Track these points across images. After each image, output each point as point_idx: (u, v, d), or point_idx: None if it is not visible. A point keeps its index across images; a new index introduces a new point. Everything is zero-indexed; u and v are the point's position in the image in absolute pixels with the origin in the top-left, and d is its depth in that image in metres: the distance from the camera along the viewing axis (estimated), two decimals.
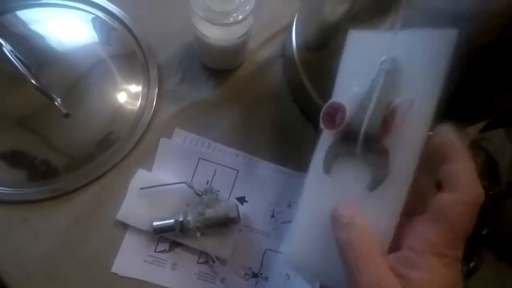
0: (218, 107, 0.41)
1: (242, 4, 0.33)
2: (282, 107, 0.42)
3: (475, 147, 0.45)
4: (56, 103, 0.36)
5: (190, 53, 0.43)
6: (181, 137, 0.39)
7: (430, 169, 0.20)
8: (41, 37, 0.41)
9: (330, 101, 0.22)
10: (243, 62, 0.43)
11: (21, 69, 0.35)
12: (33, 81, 0.35)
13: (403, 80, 0.20)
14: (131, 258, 0.35)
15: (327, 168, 0.23)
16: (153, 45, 0.42)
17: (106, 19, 0.43)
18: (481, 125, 0.43)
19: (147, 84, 0.41)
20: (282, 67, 0.44)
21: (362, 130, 0.20)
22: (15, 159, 0.37)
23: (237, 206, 0.35)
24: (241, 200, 0.38)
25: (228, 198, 0.38)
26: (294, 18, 0.41)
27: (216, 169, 0.39)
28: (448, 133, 0.20)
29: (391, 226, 0.19)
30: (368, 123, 0.20)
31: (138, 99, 0.40)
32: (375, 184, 0.20)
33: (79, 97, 0.39)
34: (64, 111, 0.36)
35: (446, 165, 0.19)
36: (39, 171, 0.37)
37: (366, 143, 0.20)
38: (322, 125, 0.22)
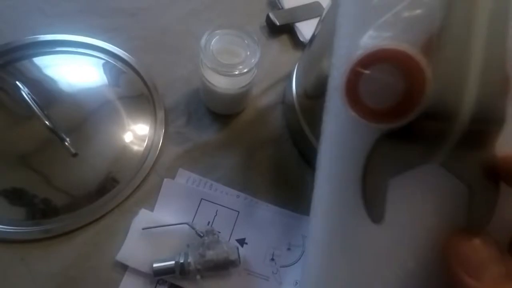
0: (221, 150, 0.43)
1: (248, 58, 0.36)
2: (282, 151, 0.44)
3: None
4: (66, 142, 0.38)
5: (195, 98, 0.45)
6: (184, 178, 0.40)
7: None
8: (53, 80, 0.43)
9: (362, 52, 0.11)
10: (246, 107, 0.46)
11: (36, 110, 0.37)
12: (46, 122, 0.37)
13: None
14: None
15: (377, 212, 0.12)
16: (160, 90, 0.44)
17: (116, 64, 0.46)
18: None
19: (153, 126, 0.43)
20: (282, 113, 0.47)
21: (463, 107, 0.10)
22: (15, 196, 0.38)
23: (237, 249, 0.35)
24: (241, 242, 0.39)
25: (229, 240, 0.38)
26: (294, 68, 0.45)
27: (217, 210, 0.39)
28: None
29: None
30: (476, 91, 0.10)
31: (144, 140, 0.42)
32: (482, 219, 0.11)
33: (87, 137, 0.40)
34: (73, 150, 0.38)
35: None
36: (38, 209, 0.37)
37: (468, 136, 0.10)
38: (354, 113, 0.12)
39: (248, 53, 0.37)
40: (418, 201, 0.11)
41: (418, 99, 0.09)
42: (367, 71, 0.10)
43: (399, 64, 0.10)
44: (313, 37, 0.40)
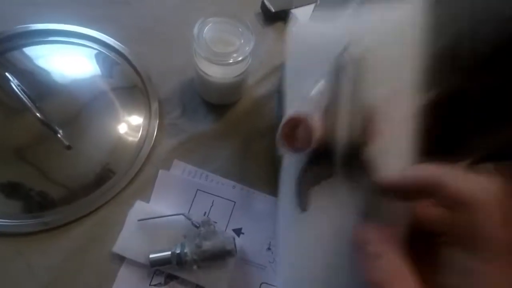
0: (216, 140, 0.42)
1: (242, 46, 0.36)
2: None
3: None
4: (58, 135, 0.37)
5: (190, 88, 0.45)
6: (179, 169, 0.40)
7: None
8: (45, 71, 0.43)
9: (287, 116, 0.17)
10: (241, 97, 0.45)
11: (27, 102, 0.36)
12: (38, 114, 0.36)
13: (373, 69, 0.16)
14: None
15: (304, 205, 0.17)
16: (154, 80, 0.44)
17: (109, 54, 0.45)
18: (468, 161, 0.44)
19: (148, 117, 0.42)
20: (277, 103, 0.46)
21: (340, 143, 0.16)
22: (11, 190, 0.37)
23: (234, 239, 0.35)
24: (238, 232, 0.39)
25: (225, 230, 0.39)
26: None
27: (213, 201, 0.39)
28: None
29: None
30: (346, 133, 0.15)
31: (139, 132, 0.41)
32: (369, 208, 0.16)
33: (81, 129, 0.40)
34: (66, 143, 0.37)
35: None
36: (35, 202, 0.37)
37: (347, 159, 0.16)
38: (284, 151, 0.18)
39: (242, 41, 0.36)
40: (329, 199, 0.18)
41: (312, 140, 0.17)
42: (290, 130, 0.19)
43: (301, 123, 0.18)
44: None
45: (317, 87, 0.17)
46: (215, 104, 0.44)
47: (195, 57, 0.37)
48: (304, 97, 0.17)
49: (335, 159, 0.17)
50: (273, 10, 0.49)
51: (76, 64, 0.45)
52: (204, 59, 0.36)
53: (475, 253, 0.15)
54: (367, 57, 0.16)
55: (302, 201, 0.18)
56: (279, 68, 0.48)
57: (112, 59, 0.45)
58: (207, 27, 0.35)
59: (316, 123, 0.16)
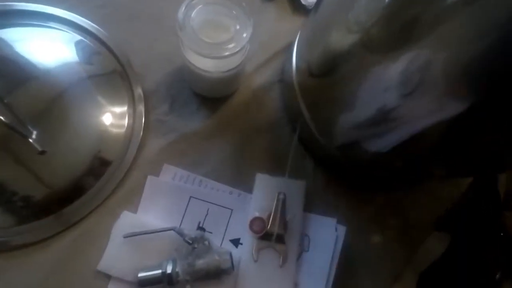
0: (209, 140, 0.38)
1: (238, 33, 0.30)
2: (279, 139, 0.39)
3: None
4: (30, 139, 0.33)
5: (178, 78, 0.39)
6: (170, 174, 0.36)
7: None
8: (18, 57, 0.37)
9: (254, 216, 0.34)
10: (238, 88, 0.39)
11: None
12: (2, 118, 0.31)
13: (288, 204, 0.35)
14: None
15: (256, 258, 0.33)
16: (137, 69, 0.38)
17: (86, 40, 0.39)
18: None
19: (132, 114, 0.37)
20: (280, 94, 0.41)
21: (275, 232, 0.33)
22: None
23: (230, 255, 0.32)
24: (236, 242, 0.35)
25: (222, 241, 0.35)
26: (295, 39, 0.38)
27: (208, 209, 0.36)
28: None
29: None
30: (278, 228, 0.34)
31: (122, 130, 0.37)
32: (283, 262, 0.33)
33: (57, 127, 0.35)
34: (39, 148, 0.33)
35: None
36: (16, 208, 0.33)
37: (276, 239, 0.33)
38: (251, 232, 0.34)
39: (238, 26, 0.30)
40: (266, 256, 0.34)
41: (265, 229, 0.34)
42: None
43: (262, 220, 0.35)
44: (320, 1, 0.33)
45: (267, 207, 0.35)
46: (208, 97, 0.39)
47: (182, 47, 0.32)
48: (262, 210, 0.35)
49: (272, 238, 0.34)
50: None
51: (51, 50, 0.39)
52: (190, 50, 0.30)
53: None
54: (286, 199, 0.36)
55: (256, 256, 0.33)
56: (283, 52, 0.42)
57: (89, 45, 0.39)
58: (195, 11, 0.29)
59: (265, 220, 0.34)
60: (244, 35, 0.30)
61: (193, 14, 0.29)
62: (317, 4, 0.34)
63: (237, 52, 0.30)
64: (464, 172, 0.37)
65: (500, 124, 0.23)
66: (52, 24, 0.39)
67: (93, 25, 0.39)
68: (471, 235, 0.43)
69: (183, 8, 0.29)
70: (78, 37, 0.39)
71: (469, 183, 0.42)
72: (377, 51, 0.26)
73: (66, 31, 0.39)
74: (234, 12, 0.30)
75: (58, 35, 0.39)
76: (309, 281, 0.34)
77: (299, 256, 0.35)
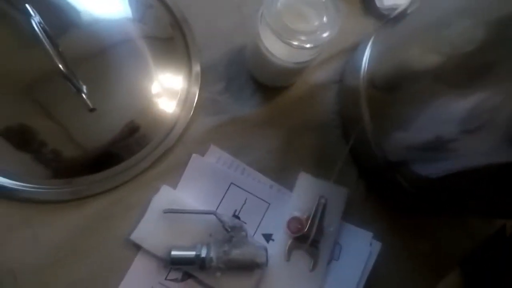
0: (259, 128, 0.36)
1: (323, 27, 0.28)
2: (328, 140, 0.38)
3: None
4: (83, 94, 0.31)
5: (238, 59, 0.37)
6: (214, 156, 0.35)
7: None
8: (70, 4, 0.35)
9: (293, 216, 0.33)
10: (296, 81, 0.38)
11: (50, 50, 0.30)
12: (61, 67, 0.30)
13: (328, 209, 0.34)
14: (138, 282, 0.31)
15: (288, 257, 0.33)
16: (198, 41, 0.36)
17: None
18: None
19: (185, 87, 0.36)
20: (336, 95, 0.39)
21: (312, 235, 0.32)
22: (22, 137, 0.32)
23: (266, 250, 0.31)
24: (268, 237, 0.34)
25: (254, 233, 0.34)
26: (367, 43, 0.36)
27: (246, 199, 0.35)
28: None
29: None
30: (314, 233, 0.32)
31: (174, 102, 0.35)
32: (314, 267, 0.33)
33: (107, 84, 0.34)
34: (90, 105, 0.31)
35: None
36: (46, 160, 0.32)
37: (311, 243, 0.33)
38: (288, 231, 0.33)
39: (325, 19, 0.28)
40: (298, 258, 0.34)
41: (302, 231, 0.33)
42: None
43: (301, 221, 0.34)
44: (405, 14, 0.31)
45: (307, 209, 0.34)
46: (265, 84, 0.37)
47: (259, 25, 0.30)
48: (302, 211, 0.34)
49: (308, 242, 0.33)
50: None
51: (108, 5, 0.37)
52: (270, 32, 0.28)
53: None
54: (327, 204, 0.35)
55: (288, 255, 0.33)
56: (347, 51, 0.40)
57: (147, 2, 0.37)
58: None
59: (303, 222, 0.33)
60: (328, 32, 0.28)
61: None
62: (399, 18, 0.33)
63: (314, 47, 0.28)
64: (500, 215, 0.36)
65: None
66: None
67: None
68: (490, 279, 0.43)
69: None
70: None
71: (497, 230, 0.41)
72: (450, 83, 0.25)
73: None
74: (324, 3, 0.28)
75: None
76: None
77: (328, 263, 0.34)
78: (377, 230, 0.36)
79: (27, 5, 0.31)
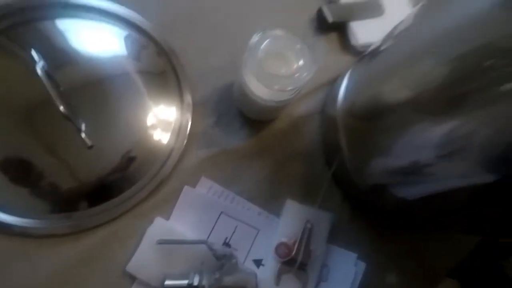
0: (247, 159, 0.39)
1: (300, 70, 0.31)
2: (313, 168, 0.40)
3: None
4: (82, 134, 0.34)
5: (227, 95, 0.40)
6: (205, 187, 0.37)
7: None
8: (71, 46, 0.38)
9: (280, 241, 0.35)
10: (280, 114, 0.41)
11: (51, 92, 0.32)
12: (61, 109, 0.32)
13: (314, 233, 0.36)
14: None
15: (277, 282, 0.35)
16: (191, 79, 0.39)
17: (140, 36, 0.40)
18: None
19: (178, 121, 0.38)
20: (319, 126, 0.42)
21: (299, 259, 0.34)
22: (18, 170, 0.34)
23: (255, 276, 0.33)
24: (258, 263, 0.36)
25: (245, 259, 0.36)
26: (343, 77, 0.40)
27: (236, 226, 0.37)
28: None
29: None
30: (302, 256, 0.35)
31: (167, 135, 0.38)
32: None
33: (100, 122, 0.36)
34: (89, 143, 0.34)
35: None
36: (43, 193, 0.34)
37: (299, 266, 0.35)
38: (277, 256, 0.35)
39: (301, 62, 0.32)
40: (287, 281, 0.35)
41: (290, 255, 0.35)
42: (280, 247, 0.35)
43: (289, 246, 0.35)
44: (378, 51, 0.34)
45: (294, 234, 0.36)
46: (252, 119, 0.40)
47: (243, 68, 0.33)
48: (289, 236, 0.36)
49: (295, 265, 0.35)
50: (330, 20, 0.44)
51: (105, 44, 0.40)
52: (253, 76, 0.31)
53: None
54: (313, 229, 0.37)
55: (277, 280, 0.35)
56: (327, 85, 0.43)
57: (142, 43, 0.40)
58: (265, 42, 0.31)
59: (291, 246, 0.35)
60: (305, 74, 0.31)
61: (263, 46, 0.31)
62: (374, 54, 0.36)
63: (294, 89, 0.32)
64: (478, 233, 0.39)
65: None
66: (107, 19, 0.40)
67: (148, 23, 0.40)
68: (479, 285, 0.45)
69: (255, 37, 0.30)
70: (132, 33, 0.40)
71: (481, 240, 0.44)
72: (423, 111, 0.28)
73: (120, 27, 0.40)
74: (299, 47, 0.32)
75: (113, 29, 0.40)
76: None
77: (317, 285, 0.36)
78: (363, 250, 0.38)
79: (32, 51, 0.34)
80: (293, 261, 0.35)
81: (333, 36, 0.46)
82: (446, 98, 0.26)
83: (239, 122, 0.40)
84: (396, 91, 0.31)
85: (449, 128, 0.25)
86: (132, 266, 0.32)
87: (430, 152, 0.27)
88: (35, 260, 0.32)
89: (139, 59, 0.41)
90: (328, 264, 0.37)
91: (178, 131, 0.38)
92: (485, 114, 0.23)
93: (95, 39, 0.40)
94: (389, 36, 0.33)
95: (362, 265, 0.37)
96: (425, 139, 0.27)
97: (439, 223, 0.38)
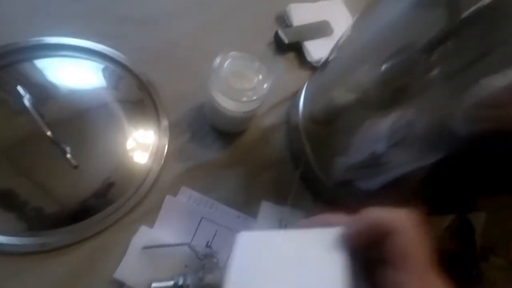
0: (222, 169, 0.43)
1: (259, 84, 0.36)
2: (283, 172, 0.44)
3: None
4: (67, 155, 0.37)
5: (199, 114, 0.45)
6: (186, 196, 0.40)
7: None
8: (54, 84, 0.42)
9: None
10: (250, 126, 0.46)
11: (38, 121, 0.36)
12: (49, 134, 0.36)
13: None
14: None
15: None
16: (165, 104, 0.44)
17: (116, 69, 0.45)
18: None
19: (156, 141, 0.42)
20: (285, 134, 0.47)
21: None
22: (5, 199, 0.36)
23: None
24: None
25: (227, 260, 0.39)
26: (302, 89, 0.45)
27: (217, 230, 0.40)
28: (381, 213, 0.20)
29: None
30: None
31: (146, 156, 0.41)
32: None
33: (86, 149, 0.39)
34: (74, 163, 0.37)
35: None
36: (29, 217, 0.36)
37: None
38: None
39: (260, 77, 0.37)
40: None
41: None
42: None
43: None
44: (327, 62, 0.40)
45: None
46: (223, 132, 0.44)
47: (211, 87, 0.38)
48: None
49: None
50: (286, 41, 0.50)
51: (84, 78, 0.44)
52: (220, 93, 0.36)
53: (401, 268, 0.19)
54: None
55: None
56: (289, 98, 0.49)
57: (119, 74, 0.45)
58: (226, 62, 0.36)
59: None
60: (264, 86, 0.37)
61: (225, 65, 0.36)
62: (323, 65, 0.42)
63: (257, 99, 0.37)
64: (443, 210, 0.41)
65: (463, 172, 0.29)
66: (94, 57, 0.45)
67: (124, 57, 0.45)
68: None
69: (218, 60, 0.36)
70: (109, 65, 0.45)
71: (445, 227, 0.47)
72: (370, 109, 0.32)
73: (103, 64, 0.45)
74: (257, 65, 0.37)
75: (95, 66, 0.45)
76: None
77: None
78: None
79: (18, 87, 0.38)
80: None
81: (291, 55, 0.52)
82: (385, 94, 0.30)
83: (212, 137, 0.44)
84: (343, 95, 0.36)
85: (393, 119, 0.29)
86: (120, 273, 0.35)
87: (383, 143, 0.31)
88: (25, 276, 0.34)
89: (117, 88, 0.45)
90: None
91: (156, 151, 0.42)
92: (419, 102, 0.27)
93: (74, 74, 0.44)
94: (334, 48, 0.39)
95: None
96: (376, 132, 0.32)
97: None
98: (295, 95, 0.48)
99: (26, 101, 0.37)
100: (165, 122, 0.43)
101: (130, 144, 0.41)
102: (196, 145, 0.43)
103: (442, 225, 0.46)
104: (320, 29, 0.52)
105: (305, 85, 0.45)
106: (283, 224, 0.40)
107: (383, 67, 0.29)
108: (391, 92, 0.30)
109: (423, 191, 0.35)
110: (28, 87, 0.39)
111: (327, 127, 0.40)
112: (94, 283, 0.35)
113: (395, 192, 0.37)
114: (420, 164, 0.30)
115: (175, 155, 0.42)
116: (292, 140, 0.46)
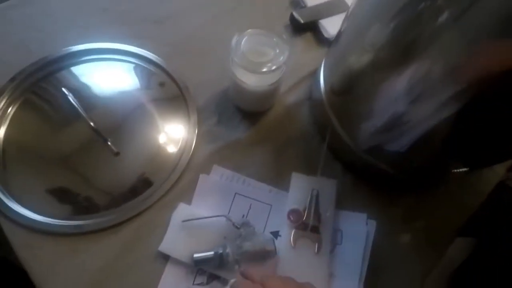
0: (251, 147, 0.44)
1: (277, 56, 0.38)
2: (310, 146, 0.45)
3: (502, 186, 0.47)
4: (108, 142, 0.41)
5: (224, 98, 0.47)
6: (218, 174, 0.42)
7: None
8: (91, 86, 0.46)
9: (291, 208, 0.40)
10: (274, 105, 0.47)
11: (82, 113, 0.40)
12: (91, 123, 0.39)
13: (321, 199, 0.40)
14: None
15: (294, 245, 0.38)
16: (192, 91, 0.47)
17: (149, 67, 0.48)
18: (508, 163, 0.44)
19: (187, 126, 0.45)
20: (309, 109, 0.48)
21: (310, 222, 0.38)
22: (62, 195, 0.40)
23: (273, 240, 0.36)
24: (275, 234, 0.40)
25: (263, 232, 0.40)
26: (320, 65, 0.46)
27: (251, 204, 0.41)
28: None
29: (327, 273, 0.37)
30: (312, 220, 0.38)
31: (179, 141, 0.44)
32: (318, 250, 0.38)
33: (125, 138, 0.43)
34: (115, 150, 0.40)
35: None
36: (82, 206, 0.40)
37: (312, 229, 0.38)
38: (290, 222, 0.39)
39: (277, 51, 0.38)
40: (303, 243, 0.39)
41: (301, 220, 0.40)
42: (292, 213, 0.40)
43: (298, 212, 0.40)
44: (339, 33, 0.41)
45: (303, 201, 0.41)
46: (248, 112, 0.46)
47: (232, 66, 0.40)
48: (299, 203, 0.41)
49: (308, 229, 0.39)
50: (302, 21, 0.51)
51: (118, 78, 0.48)
52: (240, 68, 0.38)
53: None
54: (319, 196, 0.41)
55: (294, 243, 0.38)
56: (309, 76, 0.49)
57: (151, 72, 0.48)
58: (244, 39, 0.38)
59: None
60: (281, 58, 0.38)
61: (243, 42, 0.38)
62: (337, 37, 0.42)
63: (275, 70, 0.38)
64: (476, 163, 0.40)
65: (491, 117, 0.28)
66: (123, 57, 0.49)
67: (156, 56, 0.48)
68: (497, 238, 0.45)
69: (235, 37, 0.38)
70: (144, 66, 0.48)
71: (489, 193, 0.45)
72: (386, 69, 0.32)
73: (134, 63, 0.49)
74: (274, 39, 0.38)
75: (126, 66, 0.49)
76: (344, 271, 0.38)
77: (333, 248, 0.39)
78: (371, 213, 0.41)
79: (63, 89, 0.42)
80: (305, 225, 0.38)
81: (308, 35, 0.53)
82: (398, 51, 0.30)
83: (238, 117, 0.46)
84: (358, 58, 0.37)
85: (409, 75, 0.30)
86: (164, 246, 0.37)
87: (403, 101, 0.32)
88: (82, 256, 0.37)
89: (148, 80, 0.49)
90: (341, 229, 0.40)
91: (187, 134, 0.44)
92: (431, 52, 0.27)
93: (108, 74, 0.48)
94: (345, 18, 0.40)
95: (372, 223, 0.40)
96: (394, 91, 0.32)
97: (438, 169, 0.41)
98: (315, 73, 0.49)
99: (71, 99, 0.41)
100: (194, 116, 0.45)
101: (163, 132, 0.44)
102: (223, 127, 0.45)
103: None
104: (335, 6, 0.53)
105: (323, 61, 0.46)
106: (314, 192, 0.40)
107: (393, 22, 0.30)
108: (404, 48, 0.30)
109: (451, 147, 0.34)
110: (70, 90, 0.44)
111: (348, 95, 0.41)
112: (143, 256, 0.37)
113: (424, 151, 0.37)
114: (441, 116, 0.30)
115: (204, 137, 0.44)
116: (317, 115, 0.46)
